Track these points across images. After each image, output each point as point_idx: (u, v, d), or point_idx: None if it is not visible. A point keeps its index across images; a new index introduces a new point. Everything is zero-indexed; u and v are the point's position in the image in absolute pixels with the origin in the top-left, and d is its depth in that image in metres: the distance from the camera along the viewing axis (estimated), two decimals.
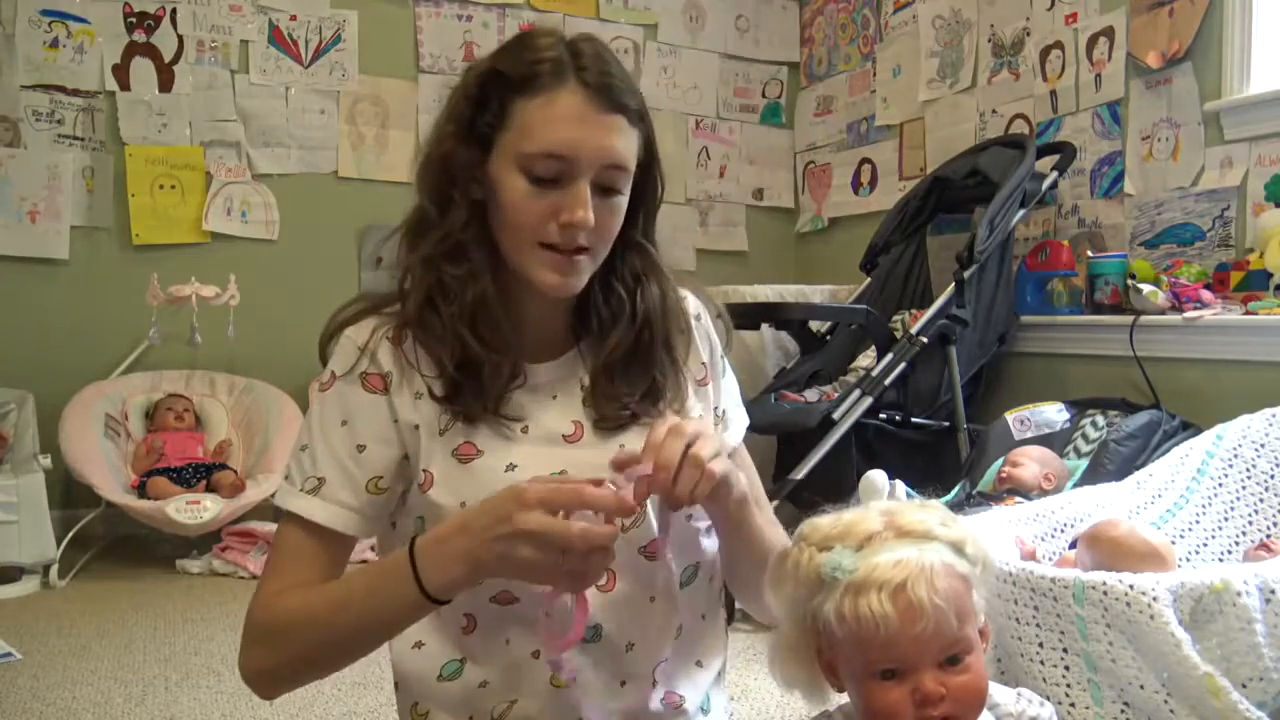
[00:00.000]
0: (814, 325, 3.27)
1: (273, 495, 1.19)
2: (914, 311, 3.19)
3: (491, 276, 1.01)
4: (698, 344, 1.12)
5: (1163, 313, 2.64)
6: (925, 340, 2.82)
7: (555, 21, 3.99)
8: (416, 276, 1.01)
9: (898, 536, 0.84)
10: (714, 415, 1.14)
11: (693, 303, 1.14)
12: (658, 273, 1.08)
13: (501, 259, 1.01)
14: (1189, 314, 2.56)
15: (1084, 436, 2.58)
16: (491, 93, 0.97)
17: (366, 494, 1.01)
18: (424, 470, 1.01)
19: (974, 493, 2.47)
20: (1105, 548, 1.72)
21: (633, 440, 1.03)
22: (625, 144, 0.98)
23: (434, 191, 1.02)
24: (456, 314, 0.99)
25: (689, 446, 0.90)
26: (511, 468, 1.00)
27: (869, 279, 3.42)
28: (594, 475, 0.91)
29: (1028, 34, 3.29)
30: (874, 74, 4.03)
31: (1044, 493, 2.29)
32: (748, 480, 1.15)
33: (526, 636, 1.00)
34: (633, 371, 1.05)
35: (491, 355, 1.00)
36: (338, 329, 1.05)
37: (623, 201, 1.00)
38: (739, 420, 1.18)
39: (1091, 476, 2.33)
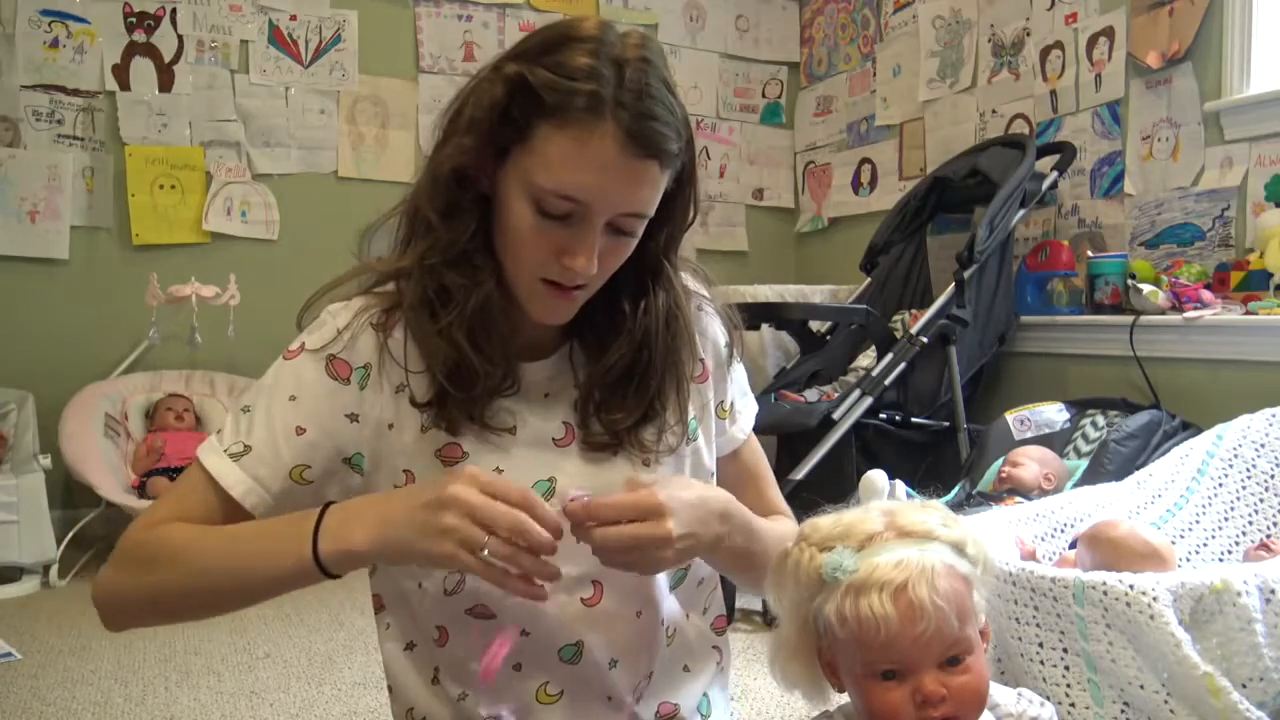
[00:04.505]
0: (814, 325, 3.26)
1: None
2: (914, 311, 3.19)
3: (496, 280, 0.95)
4: (696, 338, 1.06)
5: (1163, 313, 2.64)
6: (925, 340, 2.83)
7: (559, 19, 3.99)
8: (415, 279, 0.95)
9: (899, 537, 0.84)
10: (717, 409, 1.10)
11: (695, 295, 1.07)
12: (669, 288, 1.01)
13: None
14: (1189, 314, 2.56)
15: (1084, 436, 2.58)
16: (516, 106, 0.88)
17: (288, 479, 0.95)
18: (404, 471, 0.97)
19: (974, 493, 2.47)
20: (1105, 548, 1.72)
21: (619, 464, 1.00)
22: (650, 193, 0.90)
23: (441, 203, 0.94)
24: (456, 322, 0.93)
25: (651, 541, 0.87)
26: (498, 471, 0.96)
27: (869, 279, 3.42)
28: (581, 485, 0.89)
29: (1028, 34, 3.29)
30: (874, 74, 4.03)
31: (1044, 493, 2.29)
32: (759, 467, 1.15)
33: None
34: (629, 396, 1.00)
35: (486, 365, 0.94)
36: (322, 298, 1.00)
37: (633, 241, 0.94)
38: (747, 411, 1.14)
39: (1091, 476, 2.33)
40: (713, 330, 1.09)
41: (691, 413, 1.05)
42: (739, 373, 1.13)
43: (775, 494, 1.16)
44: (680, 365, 1.02)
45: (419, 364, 0.96)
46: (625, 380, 1.00)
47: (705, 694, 1.10)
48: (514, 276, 0.94)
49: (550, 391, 1.01)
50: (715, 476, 1.09)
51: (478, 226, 0.94)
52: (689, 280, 1.06)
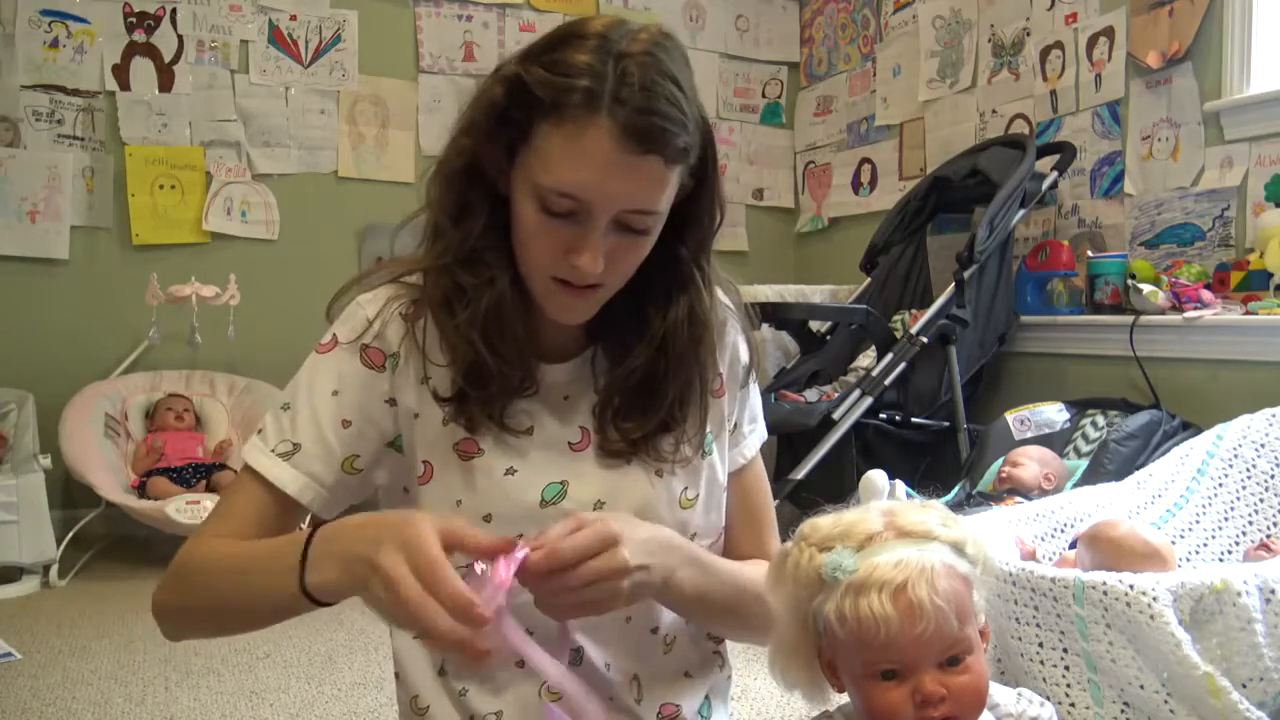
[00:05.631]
0: (814, 325, 3.27)
1: None
2: (914, 311, 3.19)
3: (510, 279, 0.95)
4: (717, 353, 1.04)
5: (1163, 313, 2.64)
6: (925, 340, 2.83)
7: (560, 18, 3.98)
8: (433, 278, 0.96)
9: (898, 537, 0.83)
10: (728, 428, 1.08)
11: (721, 308, 1.04)
12: (697, 296, 0.99)
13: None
14: (1189, 314, 2.56)
15: (1084, 436, 2.58)
16: (515, 107, 0.88)
17: (341, 472, 0.96)
18: (424, 461, 0.97)
19: (974, 493, 2.47)
20: (1105, 548, 1.72)
21: (633, 471, 0.99)
22: (653, 190, 0.88)
23: (450, 204, 0.95)
24: (470, 321, 0.94)
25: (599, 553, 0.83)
26: (511, 471, 0.96)
27: (869, 279, 3.42)
28: (594, 493, 0.87)
29: (1028, 34, 3.29)
30: (874, 74, 4.03)
31: (1044, 493, 2.30)
32: (758, 499, 1.12)
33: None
34: (646, 404, 0.99)
35: (502, 366, 0.94)
36: (351, 290, 1.00)
37: (647, 240, 0.92)
38: (754, 436, 1.13)
39: (1091, 476, 2.33)
40: (734, 347, 1.08)
41: (708, 426, 1.04)
42: (754, 395, 1.12)
43: (770, 536, 1.13)
44: (704, 375, 1.01)
45: (443, 358, 0.96)
46: (645, 387, 0.99)
47: (707, 697, 1.10)
48: (528, 276, 0.95)
49: (570, 395, 1.01)
50: (726, 494, 1.08)
51: (487, 225, 0.94)
52: (720, 295, 1.05)
